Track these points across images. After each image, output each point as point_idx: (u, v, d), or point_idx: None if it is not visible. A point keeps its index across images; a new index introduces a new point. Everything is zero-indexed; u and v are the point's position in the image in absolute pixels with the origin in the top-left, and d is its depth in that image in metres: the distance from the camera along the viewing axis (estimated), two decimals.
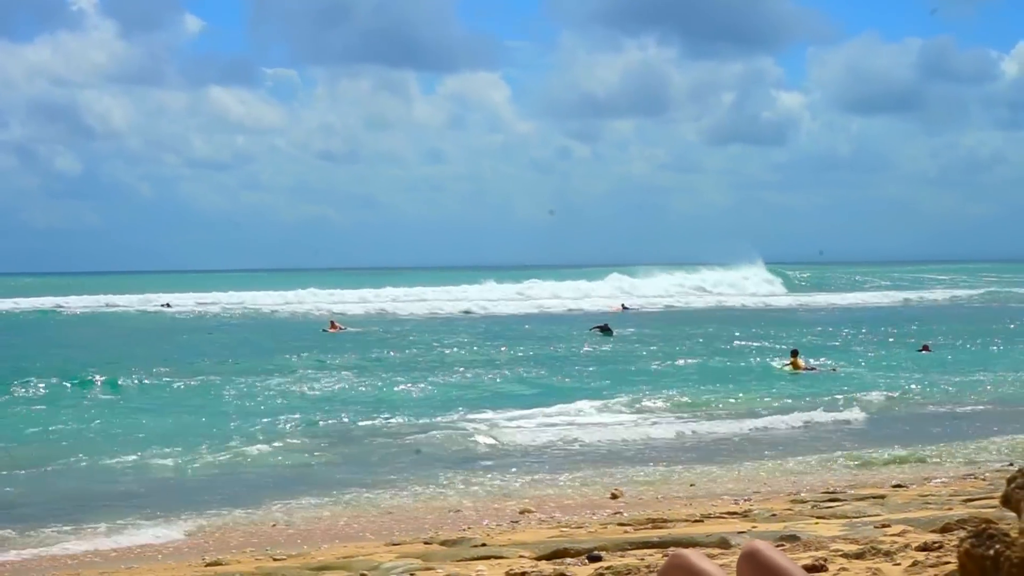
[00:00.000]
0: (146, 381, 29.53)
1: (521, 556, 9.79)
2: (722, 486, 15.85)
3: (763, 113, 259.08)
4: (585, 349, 39.32)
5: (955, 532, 8.39)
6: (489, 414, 23.17)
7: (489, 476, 16.98)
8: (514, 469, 17.57)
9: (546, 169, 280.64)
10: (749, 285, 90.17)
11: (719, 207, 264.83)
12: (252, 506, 14.85)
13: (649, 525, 11.86)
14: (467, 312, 68.12)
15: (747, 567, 4.72)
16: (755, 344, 39.84)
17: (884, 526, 9.98)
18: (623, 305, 70.73)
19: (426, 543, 11.43)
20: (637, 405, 24.36)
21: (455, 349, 39.90)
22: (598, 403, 24.53)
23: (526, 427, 21.65)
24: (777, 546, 7.65)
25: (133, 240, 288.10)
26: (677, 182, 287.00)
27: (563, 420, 22.47)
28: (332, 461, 18.72)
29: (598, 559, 9.26)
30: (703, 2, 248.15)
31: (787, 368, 31.64)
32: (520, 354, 37.40)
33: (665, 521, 12.09)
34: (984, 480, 14.73)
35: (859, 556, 8.11)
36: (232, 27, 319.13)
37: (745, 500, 14.09)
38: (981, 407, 24.12)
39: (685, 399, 25.11)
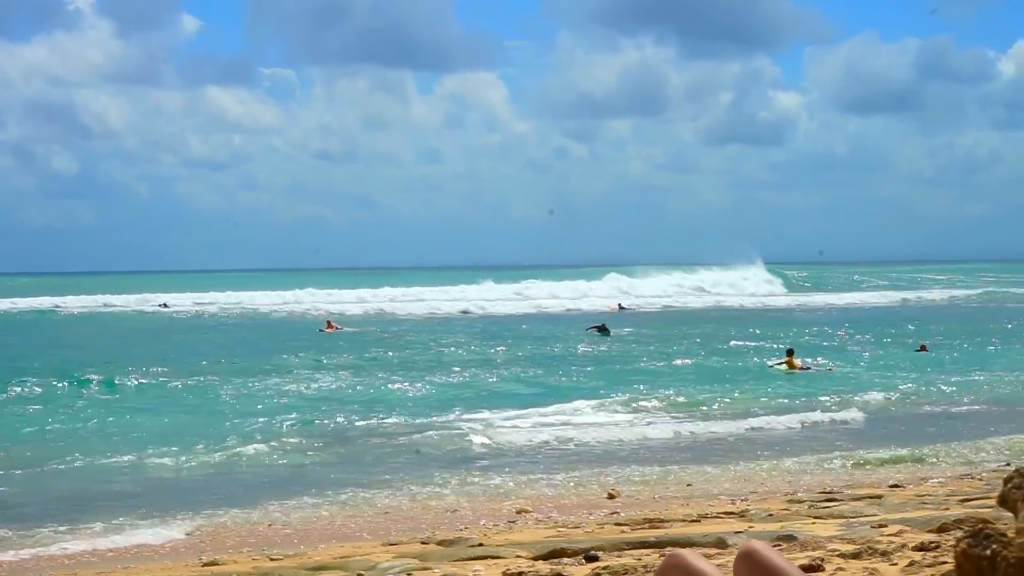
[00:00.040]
0: (143, 381, 29.52)
1: (518, 556, 9.79)
2: (719, 486, 15.85)
3: (760, 113, 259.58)
4: (582, 349, 39.32)
5: (952, 532, 8.39)
6: (486, 414, 23.17)
7: (486, 476, 16.97)
8: (511, 469, 17.56)
9: (544, 169, 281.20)
10: (748, 285, 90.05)
11: (716, 207, 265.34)
12: (249, 506, 14.85)
13: (646, 525, 11.85)
14: (464, 312, 68.12)
15: (744, 567, 4.72)
16: (752, 344, 39.86)
17: (881, 526, 9.99)
18: (620, 305, 70.74)
19: (423, 543, 11.43)
20: (634, 405, 24.35)
21: (452, 349, 39.90)
22: (595, 403, 24.53)
23: (523, 427, 21.64)
24: (774, 546, 7.65)
25: (130, 240, 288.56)
26: (674, 182, 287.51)
27: (560, 420, 22.46)
28: (329, 461, 18.71)
29: (595, 559, 9.25)
30: (701, 2, 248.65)
31: (782, 367, 31.67)
32: (517, 354, 37.40)
33: (662, 521, 12.09)
34: (981, 480, 14.74)
35: (856, 556, 8.11)
36: (229, 27, 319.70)
37: (742, 500, 14.09)
38: (978, 407, 24.13)
39: (682, 399, 25.11)
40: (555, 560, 9.49)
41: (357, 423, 22.30)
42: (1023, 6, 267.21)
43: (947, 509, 11.33)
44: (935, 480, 15.34)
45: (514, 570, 9.03)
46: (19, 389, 27.38)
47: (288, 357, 36.10)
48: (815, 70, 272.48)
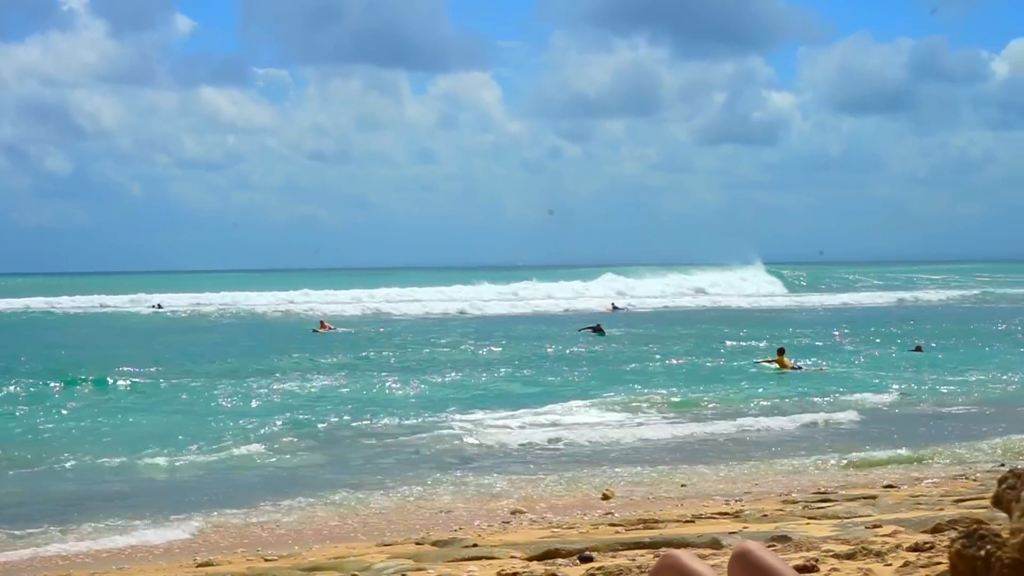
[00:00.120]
0: (136, 381, 29.50)
1: (512, 556, 9.79)
2: (713, 486, 15.85)
3: (754, 113, 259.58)
4: (577, 349, 39.30)
5: (946, 533, 8.40)
6: (480, 414, 23.16)
7: (480, 476, 16.96)
8: (505, 469, 17.56)
9: (537, 169, 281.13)
10: (748, 286, 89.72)
11: (710, 207, 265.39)
12: (243, 506, 14.83)
13: (640, 525, 11.86)
14: (459, 312, 68.09)
15: (738, 567, 4.72)
16: (747, 344, 39.86)
17: (875, 527, 9.99)
18: (613, 305, 70.74)
19: (417, 543, 11.43)
20: (628, 405, 24.34)
21: (446, 349, 39.89)
22: (589, 403, 24.53)
23: (517, 427, 21.64)
24: (768, 546, 7.65)
25: (124, 240, 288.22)
26: (668, 182, 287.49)
27: (554, 420, 22.45)
28: (323, 461, 18.70)
29: (589, 560, 9.25)
30: (694, 2, 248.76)
31: (772, 366, 31.73)
32: (511, 354, 37.40)
33: (656, 522, 12.09)
34: (975, 481, 14.75)
35: (850, 557, 8.11)
36: (223, 27, 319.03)
37: (736, 500, 14.09)
38: (973, 407, 24.14)
39: (677, 399, 25.11)
40: (549, 561, 9.49)
41: (351, 423, 22.28)
42: (1017, 6, 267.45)
43: (941, 510, 11.34)
44: (929, 481, 15.35)
45: (508, 570, 9.03)
46: (12, 389, 27.35)
47: (282, 357, 36.08)
48: (809, 70, 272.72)
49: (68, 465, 18.12)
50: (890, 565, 7.70)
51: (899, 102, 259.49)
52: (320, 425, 22.04)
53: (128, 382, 29.26)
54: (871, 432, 21.01)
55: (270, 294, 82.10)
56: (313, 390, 27.67)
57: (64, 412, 23.73)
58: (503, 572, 9.01)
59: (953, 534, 5.35)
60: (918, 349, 36.32)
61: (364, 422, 22.38)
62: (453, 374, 31.16)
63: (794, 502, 13.35)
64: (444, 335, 47.34)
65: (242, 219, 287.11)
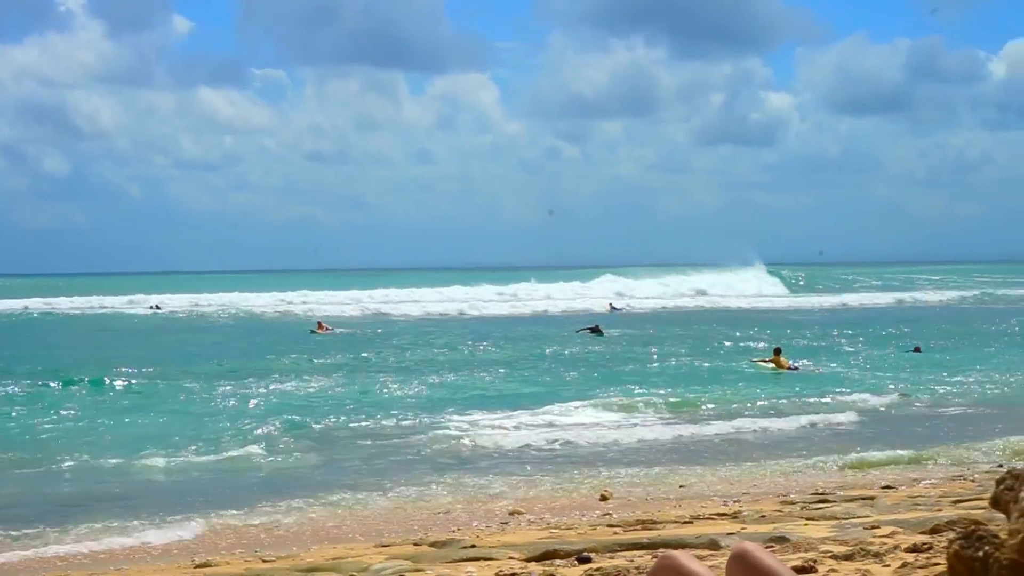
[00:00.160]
0: (134, 382, 29.49)
1: (511, 557, 9.79)
2: (711, 487, 15.85)
3: (752, 114, 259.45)
4: (575, 350, 39.29)
5: (944, 533, 8.40)
6: (478, 415, 23.15)
7: (478, 477, 16.96)
8: (503, 470, 17.56)
9: (535, 170, 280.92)
10: (748, 287, 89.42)
11: (709, 208, 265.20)
12: (241, 507, 14.82)
13: (639, 526, 11.86)
14: (458, 313, 68.06)
15: (737, 568, 4.72)
16: (745, 345, 39.86)
17: (873, 527, 10.00)
18: (611, 306, 70.74)
19: (416, 544, 11.43)
20: (626, 406, 24.32)
21: (444, 350, 39.88)
22: (588, 404, 24.51)
23: (515, 428, 21.64)
24: (767, 547, 7.65)
25: (122, 241, 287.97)
26: (666, 183, 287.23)
27: (553, 421, 22.45)
28: (321, 462, 18.69)
29: (588, 560, 9.26)
30: (691, 3, 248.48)
31: (768, 366, 31.75)
32: (510, 355, 37.39)
33: (654, 522, 12.10)
34: (973, 482, 14.75)
35: (848, 557, 8.12)
36: (221, 28, 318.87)
37: (734, 501, 14.09)
38: (971, 408, 24.14)
39: (675, 400, 25.10)
40: (548, 561, 9.49)
41: (349, 424, 22.27)
42: (1013, 7, 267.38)
43: (939, 510, 11.35)
44: (927, 482, 15.35)
45: (507, 571, 9.03)
46: (9, 390, 27.34)
47: (279, 358, 36.06)
48: (806, 71, 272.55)
49: (66, 466, 18.11)
50: (888, 566, 7.70)
51: (897, 103, 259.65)
52: (318, 426, 22.03)
53: (126, 383, 29.25)
54: (869, 433, 21.02)
55: (268, 295, 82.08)
56: (311, 391, 27.67)
57: (62, 413, 23.69)
58: (501, 573, 9.01)
59: (951, 535, 5.35)
60: (916, 350, 36.32)
61: (362, 423, 22.38)
62: (451, 375, 31.14)
63: (792, 503, 13.35)
64: (442, 336, 47.34)
65: (240, 220, 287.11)
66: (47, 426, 22.16)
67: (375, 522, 13.97)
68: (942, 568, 6.20)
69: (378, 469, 17.81)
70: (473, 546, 10.78)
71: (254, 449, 19.47)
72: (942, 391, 26.65)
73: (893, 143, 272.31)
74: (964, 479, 15.31)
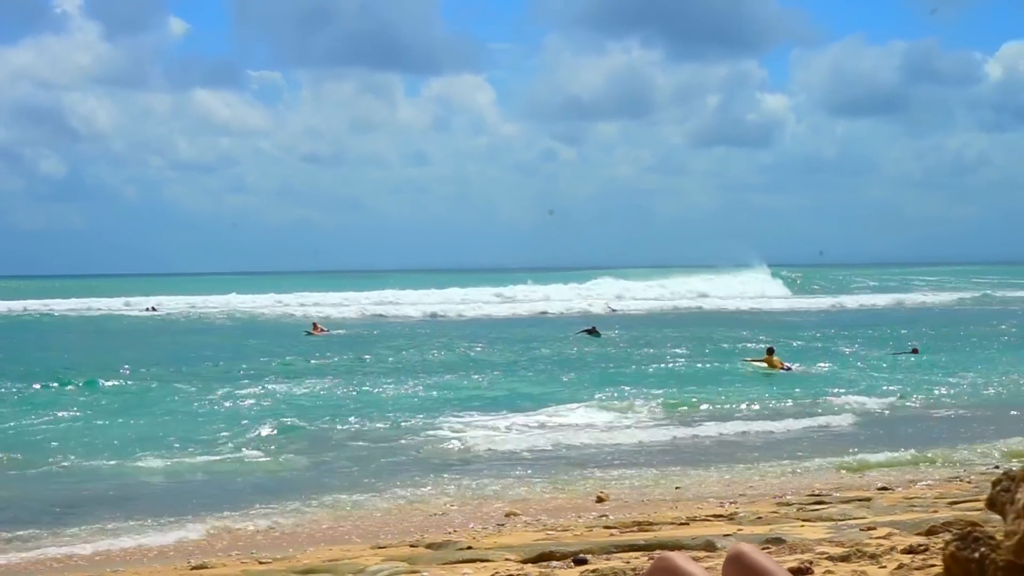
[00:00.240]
0: (130, 384, 29.47)
1: (507, 559, 9.79)
2: (708, 489, 15.85)
3: (748, 115, 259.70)
4: (572, 352, 39.30)
5: (940, 535, 8.40)
6: (475, 417, 23.15)
7: (474, 479, 16.95)
8: (499, 472, 17.55)
9: (531, 172, 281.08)
10: (748, 289, 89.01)
11: (705, 209, 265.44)
12: (236, 509, 14.80)
13: (635, 528, 11.86)
14: (453, 315, 68.03)
15: (733, 570, 4.72)
16: (742, 347, 39.84)
17: (869, 529, 10.00)
18: (609, 307, 70.74)
19: (412, 546, 11.42)
20: (623, 407, 24.32)
21: (440, 352, 39.86)
22: (584, 405, 24.50)
23: (512, 430, 21.64)
24: (763, 549, 7.65)
25: (118, 242, 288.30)
26: (663, 184, 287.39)
27: (549, 423, 22.46)
28: (316, 464, 18.68)
29: (584, 562, 9.25)
30: (687, 5, 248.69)
31: (761, 365, 31.79)
32: (506, 357, 37.39)
33: (651, 524, 12.09)
34: (970, 483, 14.76)
35: (844, 559, 8.11)
36: (216, 30, 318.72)
37: (731, 503, 14.09)
38: (968, 410, 24.12)
39: (672, 401, 25.10)
40: (544, 563, 9.48)
41: (345, 426, 22.26)
42: (1009, 8, 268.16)
43: (936, 512, 11.35)
44: (924, 483, 15.35)
45: (503, 573, 9.03)
46: (4, 391, 27.31)
47: (275, 360, 36.05)
48: (802, 72, 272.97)
49: (61, 467, 18.10)
50: (884, 567, 7.70)
51: (893, 104, 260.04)
52: (313, 428, 22.02)
53: (122, 384, 29.24)
54: (866, 434, 21.02)
55: (264, 296, 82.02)
56: (306, 393, 27.64)
57: (58, 414, 23.67)
58: (497, 574, 9.00)
59: (947, 536, 5.35)
60: (914, 351, 36.31)
61: (358, 424, 22.37)
62: (447, 376, 31.12)
63: (788, 504, 13.35)
64: (438, 337, 47.33)
65: (236, 222, 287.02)
66: (42, 428, 22.14)
67: (371, 524, 13.96)
68: (938, 569, 6.20)
69: (374, 471, 17.80)
70: (469, 547, 10.77)
71: (250, 451, 19.47)
72: (939, 392, 26.63)
73: (889, 145, 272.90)
74: (960, 480, 15.32)
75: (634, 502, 14.88)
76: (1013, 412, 23.46)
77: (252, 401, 25.92)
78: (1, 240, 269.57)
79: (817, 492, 14.66)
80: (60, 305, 77.83)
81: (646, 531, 11.46)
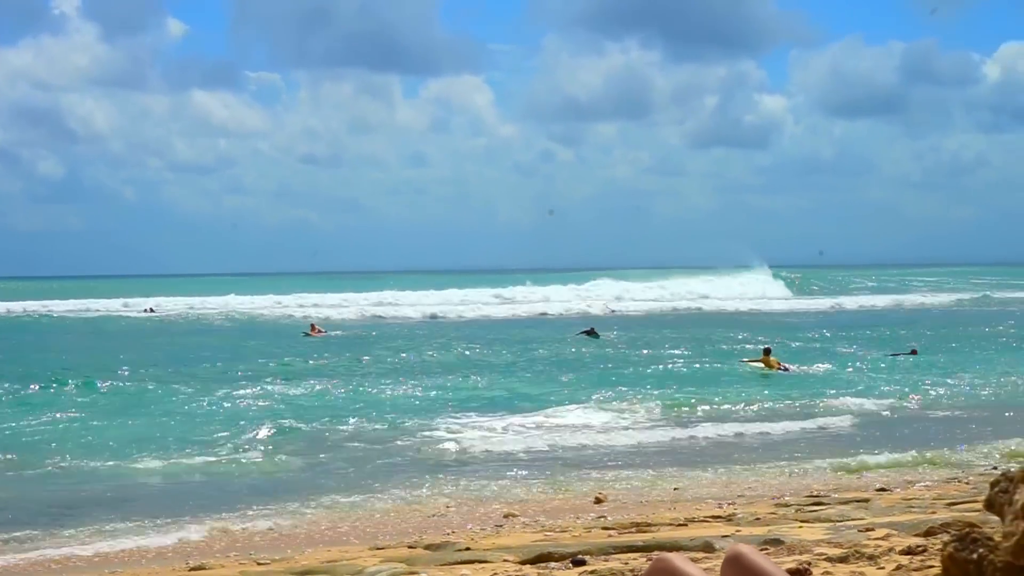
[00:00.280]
0: (128, 385, 29.44)
1: (505, 560, 9.78)
2: (706, 490, 15.85)
3: (746, 116, 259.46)
4: (570, 353, 39.29)
5: (939, 536, 8.40)
6: (473, 417, 23.16)
7: (472, 480, 16.95)
8: (498, 473, 17.56)
9: (530, 173, 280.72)
10: (748, 290, 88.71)
11: (703, 210, 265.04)
12: (234, 510, 14.81)
13: (633, 529, 11.86)
14: (452, 316, 68.00)
15: (731, 571, 4.71)
16: (740, 348, 39.82)
17: (868, 530, 10.00)
18: (610, 309, 70.74)
19: (410, 547, 11.42)
20: (622, 408, 24.33)
21: (438, 353, 39.85)
22: (583, 406, 24.50)
23: (510, 431, 21.65)
24: (761, 550, 7.64)
25: (117, 244, 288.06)
26: (661, 185, 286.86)
27: (548, 424, 22.46)
28: (314, 465, 18.68)
29: (582, 563, 9.25)
30: (686, 5, 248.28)
31: (758, 365, 31.82)
32: (505, 358, 37.39)
33: (649, 525, 12.09)
34: (968, 484, 14.77)
35: (843, 560, 8.11)
36: (215, 31, 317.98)
37: (729, 504, 14.09)
38: (967, 411, 24.13)
39: (670, 403, 25.10)
40: (542, 564, 9.48)
41: (343, 427, 22.26)
42: (1007, 9, 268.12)
43: (934, 513, 11.35)
44: (922, 484, 15.36)
45: (501, 574, 9.02)
46: (1, 392, 27.27)
47: (273, 361, 36.02)
48: (800, 73, 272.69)
49: (59, 469, 18.09)
50: (883, 568, 7.70)
51: (891, 105, 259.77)
52: (311, 429, 22.01)
53: (120, 385, 29.21)
54: (864, 435, 21.02)
55: (262, 297, 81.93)
56: (304, 394, 27.63)
57: (56, 415, 23.65)
58: (496, 575, 9.00)
59: (946, 537, 5.34)
60: (913, 352, 36.31)
61: (356, 426, 22.36)
62: (445, 377, 31.10)
63: (787, 505, 13.35)
64: (436, 338, 47.31)
65: (236, 222, 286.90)
66: (40, 429, 22.13)
67: (369, 525, 13.96)
68: (936, 571, 6.20)
69: (372, 472, 17.80)
70: (468, 548, 10.77)
71: (248, 452, 19.47)
72: (938, 393, 26.65)
73: (888, 146, 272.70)
74: (959, 481, 15.33)
75: (632, 503, 14.88)
76: (1011, 413, 23.46)
77: (250, 402, 25.92)
78: None
79: (815, 493, 14.66)
80: (58, 306, 77.73)
81: (644, 532, 11.46)
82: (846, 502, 13.25)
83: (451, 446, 20.04)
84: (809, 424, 22.26)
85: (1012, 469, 5.09)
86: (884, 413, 24.06)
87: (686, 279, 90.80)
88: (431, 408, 24.75)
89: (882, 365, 33.48)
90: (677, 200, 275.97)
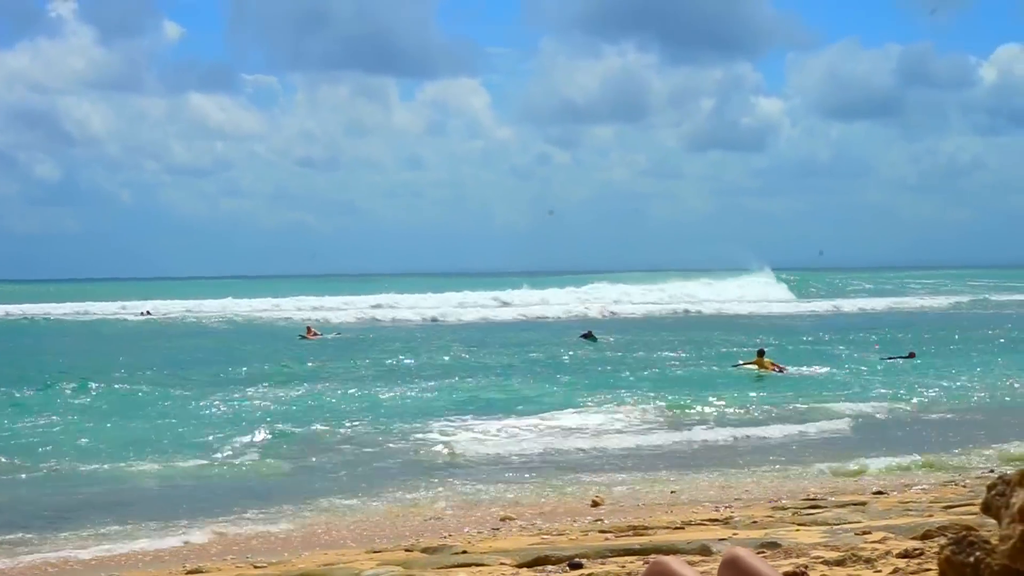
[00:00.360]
0: (123, 388, 29.40)
1: (502, 563, 9.78)
2: (703, 493, 15.85)
3: (743, 119, 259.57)
4: (568, 356, 39.28)
5: (936, 539, 8.40)
6: (470, 420, 23.14)
7: (469, 483, 16.95)
8: (495, 476, 17.55)
9: (526, 175, 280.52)
10: (747, 293, 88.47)
11: (700, 213, 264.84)
12: (231, 513, 14.79)
13: (630, 532, 11.85)
14: (449, 319, 67.94)
15: (728, 574, 4.71)
16: (737, 350, 39.79)
17: (865, 533, 9.99)
18: (608, 311, 70.73)
19: (407, 550, 11.41)
20: (619, 412, 24.32)
21: (435, 355, 39.82)
22: (580, 410, 24.51)
23: (507, 433, 21.64)
24: (758, 553, 7.64)
25: (113, 247, 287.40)
26: (658, 188, 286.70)
27: (544, 427, 22.43)
28: (311, 468, 18.67)
29: (579, 566, 9.24)
30: (682, 8, 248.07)
31: (752, 367, 31.83)
32: (501, 361, 37.35)
33: (646, 528, 12.09)
34: (965, 487, 14.77)
35: (840, 563, 8.11)
36: (212, 33, 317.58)
37: (726, 507, 14.09)
38: (965, 414, 24.14)
39: (667, 406, 25.07)
40: (539, 567, 9.47)
41: (339, 430, 22.23)
42: (1003, 12, 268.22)
43: (931, 516, 11.35)
44: (919, 487, 15.36)
45: None
46: None
47: (269, 364, 35.98)
48: (797, 76, 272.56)
49: (55, 472, 18.07)
50: (879, 571, 7.70)
51: (888, 108, 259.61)
52: (307, 432, 21.99)
53: (116, 389, 29.17)
54: (862, 438, 21.02)
55: (259, 300, 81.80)
56: (300, 397, 27.59)
57: (52, 419, 23.64)
58: None
59: (942, 540, 5.34)
60: (911, 355, 36.30)
61: (352, 428, 22.34)
62: (442, 380, 31.08)
63: (784, 508, 13.35)
64: (433, 341, 47.27)
65: (231, 226, 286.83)
66: (35, 432, 22.09)
67: (366, 528, 13.95)
68: (933, 574, 6.20)
69: (369, 475, 17.79)
70: (464, 552, 10.76)
71: (244, 455, 19.45)
72: (936, 396, 26.65)
73: (884, 148, 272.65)
74: (956, 484, 15.33)
75: (629, 506, 14.87)
76: (1008, 416, 23.48)
77: (246, 405, 25.89)
78: None
79: (812, 496, 14.66)
80: (55, 309, 77.72)
81: (641, 535, 11.46)
82: (843, 505, 13.25)
83: (448, 449, 20.03)
84: (806, 427, 22.24)
85: (1009, 472, 5.09)
86: (881, 416, 24.06)
87: (685, 282, 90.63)
88: (428, 411, 24.72)
89: (879, 368, 33.48)
90: (674, 203, 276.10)
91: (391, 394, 27.85)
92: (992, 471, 16.03)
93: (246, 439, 20.86)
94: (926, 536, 8.92)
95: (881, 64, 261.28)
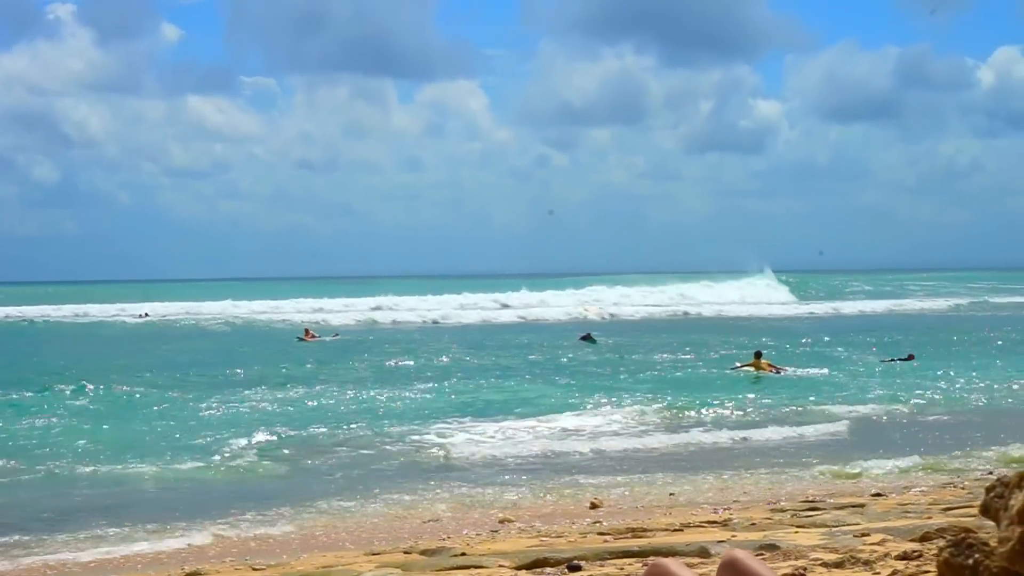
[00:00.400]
0: (121, 390, 29.38)
1: (501, 565, 9.77)
2: (702, 495, 15.85)
3: (741, 121, 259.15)
4: (566, 358, 39.28)
5: (934, 541, 8.40)
6: (468, 423, 23.13)
7: (468, 485, 16.94)
8: (493, 478, 17.54)
9: (525, 177, 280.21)
10: (749, 295, 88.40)
11: (699, 215, 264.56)
12: (229, 516, 14.78)
13: (629, 534, 11.85)
14: (448, 321, 67.95)
15: None
16: (737, 352, 39.81)
17: (863, 535, 9.99)
18: (608, 313, 70.74)
19: (406, 552, 11.40)
20: (617, 414, 24.32)
21: (434, 358, 39.82)
22: (578, 412, 24.51)
23: (505, 436, 21.63)
24: (757, 555, 7.64)
25: (112, 249, 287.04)
26: (656, 190, 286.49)
27: (543, 429, 22.43)
28: (309, 470, 18.66)
29: (578, 568, 9.24)
30: (681, 10, 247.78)
31: (749, 370, 31.83)
32: (500, 363, 37.35)
33: (645, 530, 12.08)
34: (963, 489, 14.76)
35: (838, 565, 8.11)
36: (210, 36, 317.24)
37: (725, 509, 14.08)
38: (963, 416, 24.15)
39: (665, 408, 25.08)
40: (538, 569, 9.47)
41: (337, 432, 22.21)
42: (1001, 14, 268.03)
43: (929, 518, 11.35)
44: (918, 489, 15.35)
45: None
46: None
47: (267, 366, 35.96)
48: (795, 78, 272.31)
49: (53, 474, 18.04)
50: (878, 573, 7.70)
51: (886, 110, 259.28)
52: (305, 434, 21.97)
53: (114, 391, 29.16)
54: (860, 440, 21.02)
55: (257, 303, 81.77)
56: (298, 399, 27.57)
57: (50, 421, 23.62)
58: None
59: (941, 542, 5.34)
60: (910, 357, 36.29)
61: (351, 431, 22.33)
62: (440, 383, 31.07)
63: (782, 510, 13.35)
64: (431, 343, 47.28)
65: (230, 228, 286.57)
66: (34, 434, 22.07)
67: (365, 530, 13.94)
68: None
69: (367, 477, 17.78)
70: (463, 554, 10.76)
71: (242, 457, 19.43)
72: (934, 398, 26.65)
73: (882, 150, 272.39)
74: (954, 486, 15.33)
75: (628, 508, 14.87)
76: (1007, 418, 23.49)
77: (245, 407, 25.88)
78: None
79: (811, 498, 14.66)
80: (53, 311, 77.74)
81: (640, 537, 11.46)
82: (842, 507, 13.24)
83: (446, 451, 20.02)
84: (805, 429, 22.23)
85: (1007, 474, 5.09)
86: (880, 418, 24.06)
87: (685, 284, 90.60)
88: (426, 413, 24.71)
89: (877, 370, 33.49)
90: (673, 205, 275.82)
91: (389, 396, 27.83)
92: (991, 473, 16.03)
93: (244, 441, 20.84)
94: (925, 538, 8.92)
95: (879, 66, 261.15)
